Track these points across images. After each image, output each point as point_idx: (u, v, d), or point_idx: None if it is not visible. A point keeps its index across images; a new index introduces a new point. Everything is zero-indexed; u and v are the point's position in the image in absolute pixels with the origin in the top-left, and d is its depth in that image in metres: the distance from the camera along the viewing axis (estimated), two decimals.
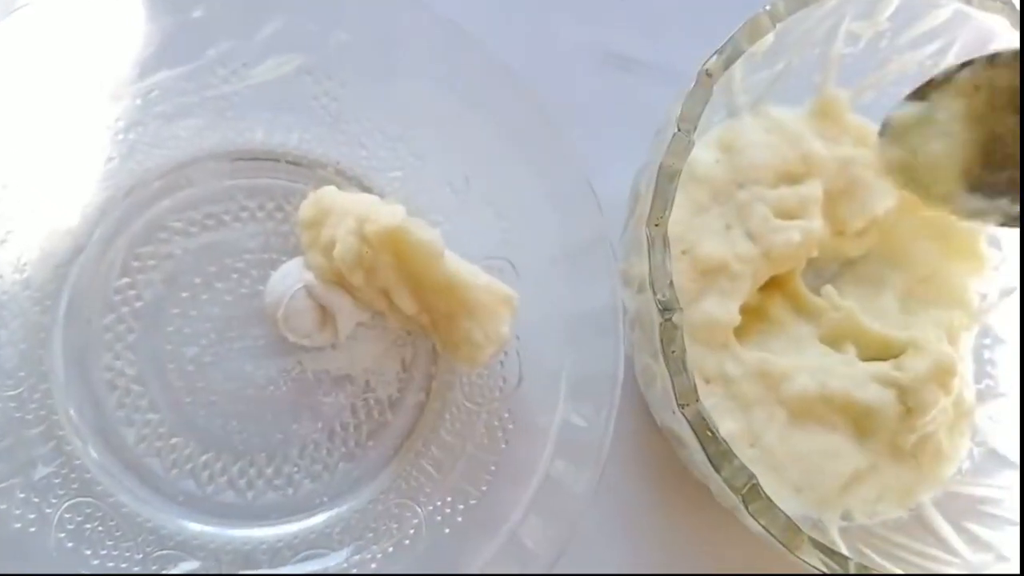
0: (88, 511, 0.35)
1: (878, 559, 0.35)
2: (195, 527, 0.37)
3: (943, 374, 0.36)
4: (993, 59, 0.33)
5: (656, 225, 0.32)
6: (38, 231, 0.37)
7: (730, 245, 0.36)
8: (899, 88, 0.39)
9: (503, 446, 0.37)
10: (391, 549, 0.36)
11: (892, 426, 0.36)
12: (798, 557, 0.32)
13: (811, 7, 0.34)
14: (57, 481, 0.35)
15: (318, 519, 0.37)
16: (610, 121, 0.42)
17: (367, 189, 0.38)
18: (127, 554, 0.35)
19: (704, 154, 0.38)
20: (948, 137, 0.34)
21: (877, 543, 0.36)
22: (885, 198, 0.38)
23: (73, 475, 0.36)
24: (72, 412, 0.37)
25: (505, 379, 0.37)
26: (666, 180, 0.32)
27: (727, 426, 0.36)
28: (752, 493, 0.31)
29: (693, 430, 0.31)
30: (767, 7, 0.34)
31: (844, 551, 0.33)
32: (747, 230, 0.37)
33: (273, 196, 0.39)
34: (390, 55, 0.37)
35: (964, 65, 0.34)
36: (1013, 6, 0.35)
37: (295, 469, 0.38)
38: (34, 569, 0.34)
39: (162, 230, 0.38)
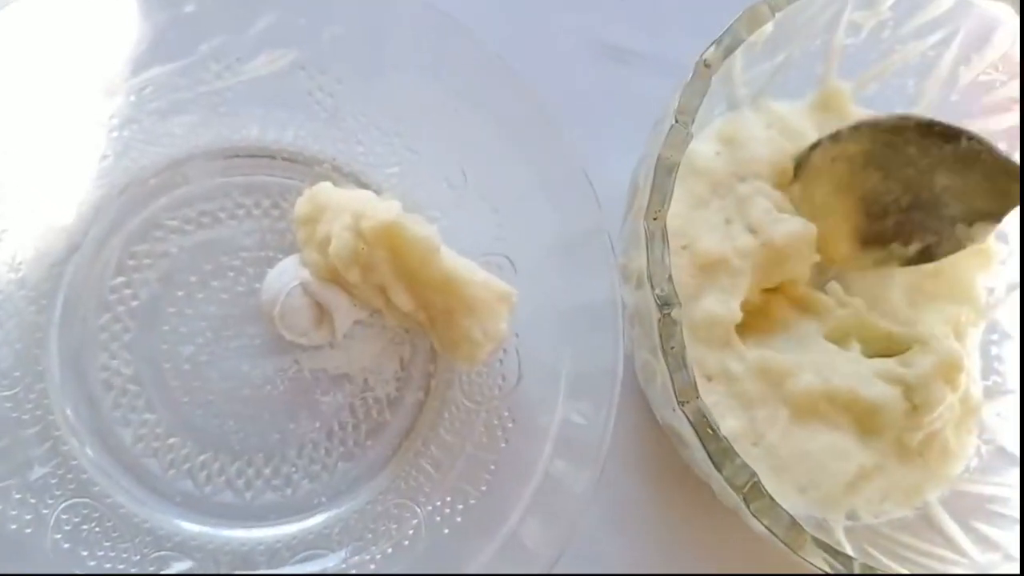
0: (85, 512, 0.35)
1: (884, 559, 0.34)
2: (193, 528, 0.36)
3: (950, 370, 0.36)
4: (836, 136, 0.37)
5: (654, 219, 0.32)
6: (33, 230, 0.36)
7: (730, 239, 0.36)
8: (902, 79, 0.39)
9: (502, 445, 0.36)
10: (390, 550, 0.36)
11: (898, 424, 0.36)
12: (801, 557, 0.31)
13: None
14: (54, 482, 0.35)
15: (317, 519, 0.37)
16: (608, 114, 0.41)
17: (364, 185, 0.38)
18: (124, 555, 0.35)
19: (704, 147, 0.38)
20: (828, 211, 0.37)
21: (883, 543, 0.35)
22: None
23: (70, 476, 0.36)
24: (68, 412, 0.36)
25: (504, 377, 0.37)
26: (664, 173, 0.32)
27: (729, 424, 0.35)
28: (754, 492, 0.31)
29: (693, 428, 0.31)
30: None
31: (849, 551, 0.32)
32: (747, 224, 0.36)
33: (269, 193, 0.39)
34: (385, 49, 0.36)
35: (813, 147, 0.37)
36: None
37: (293, 469, 0.37)
38: (31, 570, 0.34)
39: (157, 228, 0.38)
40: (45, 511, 0.35)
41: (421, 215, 0.36)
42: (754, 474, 0.31)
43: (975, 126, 0.38)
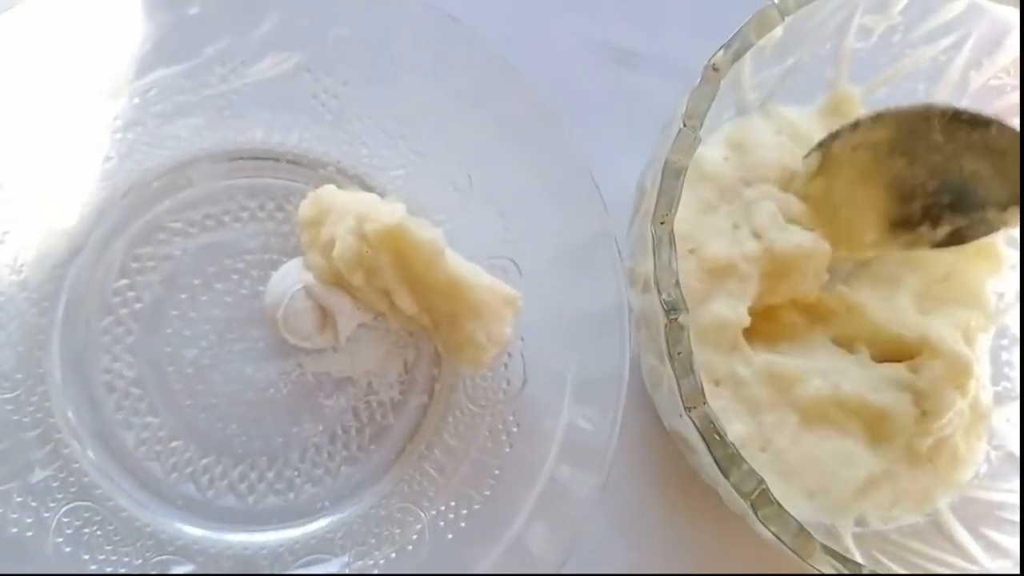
0: (86, 515, 0.35)
1: (893, 566, 0.34)
2: (195, 532, 0.36)
3: (959, 376, 0.35)
4: (856, 125, 0.36)
5: (661, 223, 0.31)
6: (35, 231, 0.36)
7: (738, 244, 0.36)
8: (912, 84, 0.38)
9: (507, 449, 0.36)
10: (394, 555, 0.36)
11: (907, 429, 0.35)
12: (810, 565, 0.31)
13: (821, 0, 0.33)
14: (55, 485, 0.35)
15: (320, 524, 0.37)
16: (615, 118, 0.41)
17: (369, 188, 0.38)
18: (126, 559, 0.35)
19: (712, 152, 0.37)
20: (853, 199, 0.36)
21: (892, 550, 0.35)
22: None
23: (71, 479, 0.35)
24: (70, 415, 0.36)
25: (509, 381, 0.37)
26: (672, 177, 0.31)
27: (736, 429, 0.35)
28: (762, 499, 0.30)
29: (700, 433, 0.31)
30: (776, 0, 0.33)
31: (858, 558, 0.32)
32: (754, 229, 0.36)
33: (273, 196, 0.38)
34: (390, 51, 0.36)
35: (834, 136, 0.36)
36: None
37: (296, 473, 0.37)
38: (32, 573, 0.33)
39: (161, 231, 0.38)
40: (46, 514, 0.34)
41: (426, 218, 0.36)
42: (762, 480, 0.30)
43: None
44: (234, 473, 0.37)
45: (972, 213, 0.35)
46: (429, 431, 0.38)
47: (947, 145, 0.35)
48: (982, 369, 0.38)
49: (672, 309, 0.31)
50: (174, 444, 0.37)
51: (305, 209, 0.35)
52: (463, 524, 0.36)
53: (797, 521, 0.30)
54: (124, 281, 0.37)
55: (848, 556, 0.31)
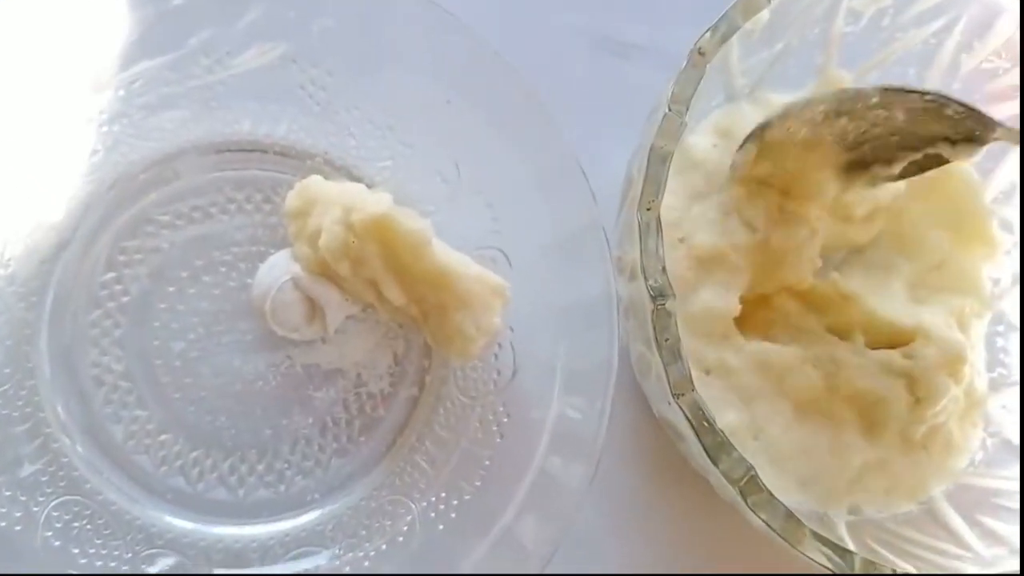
0: (76, 509, 0.35)
1: (887, 554, 0.33)
2: (185, 525, 0.36)
3: (953, 362, 0.35)
4: (785, 114, 0.34)
5: (648, 209, 0.31)
6: (22, 226, 0.36)
7: (728, 234, 0.35)
8: (903, 68, 0.38)
9: (497, 440, 0.36)
10: (384, 546, 0.36)
11: (901, 417, 0.35)
12: (801, 552, 0.30)
13: None
14: (44, 479, 0.35)
15: (310, 516, 0.37)
16: (604, 107, 0.41)
17: (356, 179, 0.38)
18: (116, 553, 0.35)
19: (701, 140, 0.37)
20: (803, 166, 0.35)
21: (886, 537, 0.35)
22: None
23: (60, 473, 0.35)
24: (59, 409, 0.36)
25: (499, 372, 0.37)
26: (657, 162, 0.31)
27: (728, 418, 0.35)
28: (751, 485, 0.30)
29: (689, 420, 0.30)
30: None
31: (851, 546, 0.32)
32: (745, 219, 0.35)
33: (261, 188, 0.38)
34: (377, 42, 0.36)
35: (764, 127, 0.34)
36: None
37: (286, 465, 0.37)
38: (21, 569, 0.34)
39: (148, 223, 0.38)
40: (35, 508, 0.34)
41: (415, 209, 0.36)
42: (751, 467, 0.30)
43: None
44: (224, 466, 0.37)
45: (923, 147, 0.34)
46: (419, 423, 0.38)
47: (884, 105, 0.33)
48: (977, 356, 0.37)
49: (659, 295, 0.31)
50: (163, 437, 0.37)
51: (292, 200, 0.35)
52: (454, 515, 0.36)
53: (786, 507, 0.30)
54: (111, 274, 0.37)
55: (839, 543, 0.31)
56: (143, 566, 0.35)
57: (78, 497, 0.35)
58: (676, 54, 0.33)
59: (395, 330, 0.38)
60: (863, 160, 0.35)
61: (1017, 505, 0.35)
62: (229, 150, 0.38)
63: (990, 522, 0.35)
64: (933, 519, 0.35)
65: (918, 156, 0.34)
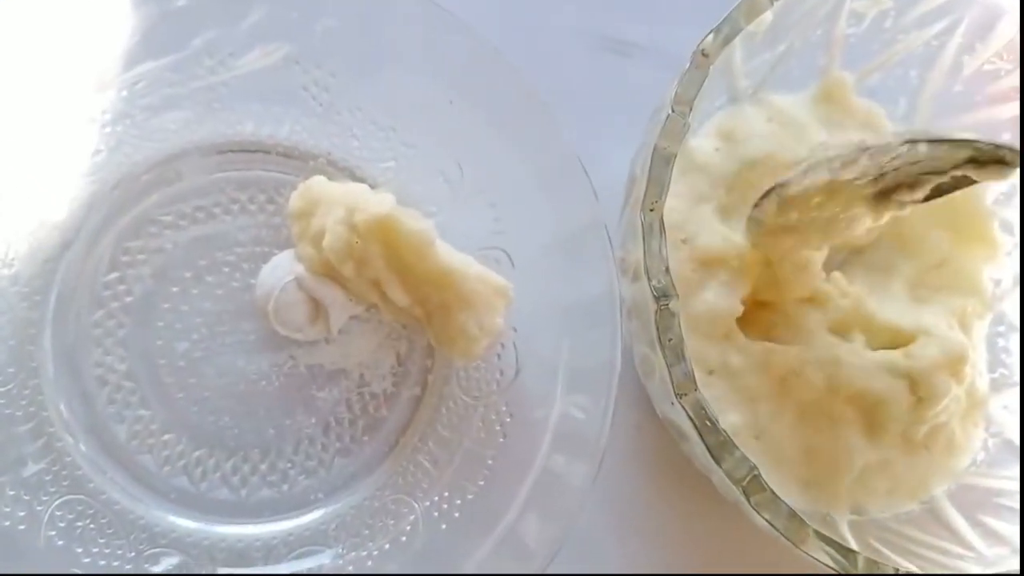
0: (79, 508, 0.35)
1: (889, 553, 0.33)
2: (188, 524, 0.36)
3: (954, 362, 0.35)
4: (802, 174, 0.33)
5: (651, 210, 0.31)
6: (26, 225, 0.36)
7: (730, 238, 0.35)
8: (905, 69, 0.38)
9: (500, 440, 0.36)
10: (387, 546, 0.36)
11: (903, 417, 0.35)
12: (805, 552, 0.30)
13: None
14: (48, 478, 0.35)
15: (313, 516, 0.37)
16: (607, 107, 0.41)
17: (360, 180, 0.38)
18: (119, 552, 0.35)
19: (704, 143, 0.37)
20: (828, 203, 0.33)
21: (889, 537, 0.35)
22: None
23: (64, 472, 0.35)
24: (62, 408, 0.36)
25: (502, 372, 0.37)
26: (661, 163, 0.31)
27: (731, 418, 0.35)
28: (754, 485, 0.30)
29: (692, 420, 0.30)
30: None
31: (853, 545, 0.32)
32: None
33: (264, 188, 0.38)
34: (379, 42, 0.36)
35: (782, 185, 0.33)
36: None
37: (289, 465, 0.37)
38: (24, 568, 0.34)
39: (151, 224, 0.38)
40: (39, 508, 0.34)
41: (417, 210, 0.36)
42: (754, 467, 0.30)
43: (980, 116, 0.38)
44: (227, 466, 0.37)
45: (948, 171, 0.31)
46: (422, 422, 0.38)
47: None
48: (978, 356, 0.37)
49: (662, 296, 0.31)
50: (166, 437, 0.37)
51: (295, 200, 0.35)
52: (457, 515, 0.36)
53: (789, 507, 0.30)
54: (115, 274, 0.37)
55: (842, 543, 0.31)
56: (146, 565, 0.35)
57: (81, 496, 0.35)
58: (677, 54, 0.33)
59: (398, 330, 0.38)
60: (887, 189, 0.33)
61: (1019, 505, 0.35)
62: (232, 151, 0.38)
63: (992, 522, 0.35)
64: (935, 519, 0.35)
65: (944, 179, 0.32)
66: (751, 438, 0.35)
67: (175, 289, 0.37)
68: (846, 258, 0.39)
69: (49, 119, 0.36)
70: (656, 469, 0.39)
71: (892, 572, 0.30)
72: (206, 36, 0.36)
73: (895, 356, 0.35)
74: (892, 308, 0.37)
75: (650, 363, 0.33)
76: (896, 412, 0.35)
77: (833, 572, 0.31)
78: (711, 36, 0.32)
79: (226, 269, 0.38)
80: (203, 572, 0.35)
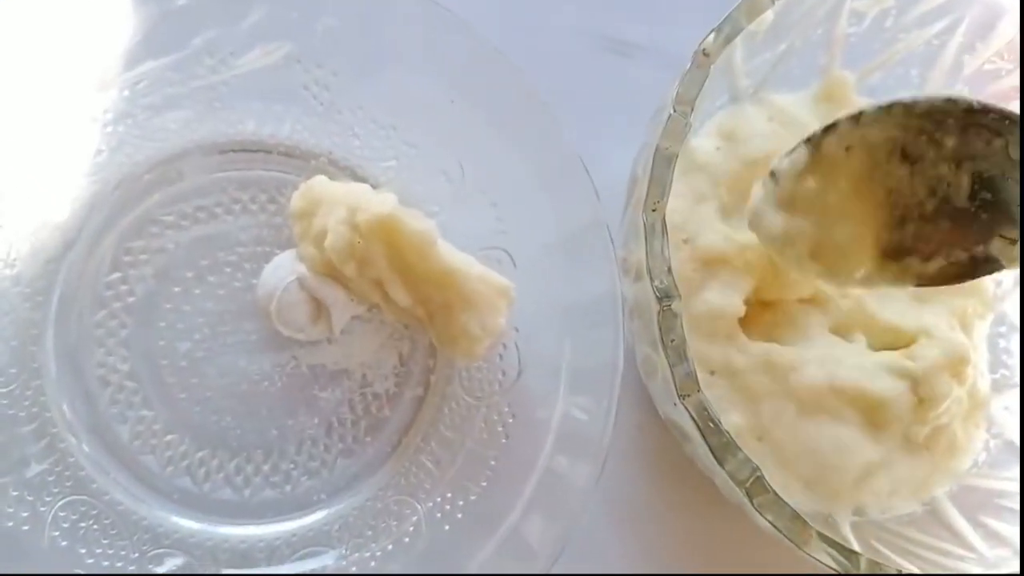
0: (83, 509, 0.35)
1: (891, 555, 0.33)
2: (191, 525, 0.36)
3: (956, 363, 0.35)
4: (856, 118, 0.30)
5: (653, 210, 0.31)
6: (28, 225, 0.36)
7: (732, 237, 0.35)
8: (905, 68, 0.38)
9: (503, 440, 0.36)
10: (390, 547, 0.36)
11: (905, 418, 0.35)
12: (807, 553, 0.30)
13: None
14: (51, 479, 0.35)
15: (316, 516, 0.37)
16: (608, 107, 0.41)
17: (361, 179, 0.38)
18: (122, 552, 0.35)
19: (704, 142, 0.37)
20: (844, 214, 0.31)
21: (890, 538, 0.35)
22: None
23: (67, 473, 0.35)
24: (65, 409, 0.36)
25: (504, 372, 0.37)
26: (663, 163, 0.31)
27: (733, 419, 0.35)
28: (757, 486, 0.30)
29: (695, 422, 0.30)
30: None
31: (855, 547, 0.32)
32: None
33: (265, 188, 0.38)
34: (380, 42, 0.36)
35: (828, 129, 0.31)
36: None
37: (292, 466, 0.37)
38: (28, 569, 0.34)
39: (153, 224, 0.38)
40: (42, 508, 0.34)
41: (419, 209, 0.36)
42: (757, 468, 0.30)
43: None
44: (230, 466, 0.37)
45: (973, 245, 0.30)
46: (425, 423, 0.38)
47: (960, 152, 0.30)
48: (980, 357, 0.37)
49: (665, 296, 0.31)
50: (169, 438, 0.37)
51: (296, 200, 0.35)
52: (460, 515, 0.36)
53: (792, 508, 0.30)
54: (117, 275, 0.37)
55: (845, 545, 0.31)
56: (150, 566, 0.35)
57: (85, 497, 0.35)
58: (677, 53, 0.33)
59: (400, 330, 0.38)
60: (902, 246, 0.30)
61: (1019, 506, 0.35)
62: (233, 150, 0.38)
63: (993, 523, 0.35)
64: (937, 520, 0.35)
65: (963, 256, 0.30)
66: (753, 439, 0.35)
67: (177, 289, 0.37)
68: None
69: (50, 119, 0.36)
70: (658, 469, 0.39)
71: (894, 573, 0.30)
72: (207, 35, 0.36)
73: (897, 357, 0.35)
74: (893, 309, 0.37)
75: (652, 363, 0.33)
76: (898, 413, 0.35)
77: (835, 573, 0.31)
78: (712, 36, 0.32)
79: (228, 269, 0.38)
80: (206, 573, 0.35)
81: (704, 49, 0.32)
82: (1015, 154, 0.29)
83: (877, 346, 0.36)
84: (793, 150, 0.31)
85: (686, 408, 0.30)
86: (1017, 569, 0.33)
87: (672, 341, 0.30)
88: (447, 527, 0.36)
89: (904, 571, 0.31)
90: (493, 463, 0.36)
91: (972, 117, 0.29)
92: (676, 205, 0.35)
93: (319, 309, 0.36)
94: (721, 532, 0.38)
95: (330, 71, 0.37)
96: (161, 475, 0.36)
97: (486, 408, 0.37)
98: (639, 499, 0.39)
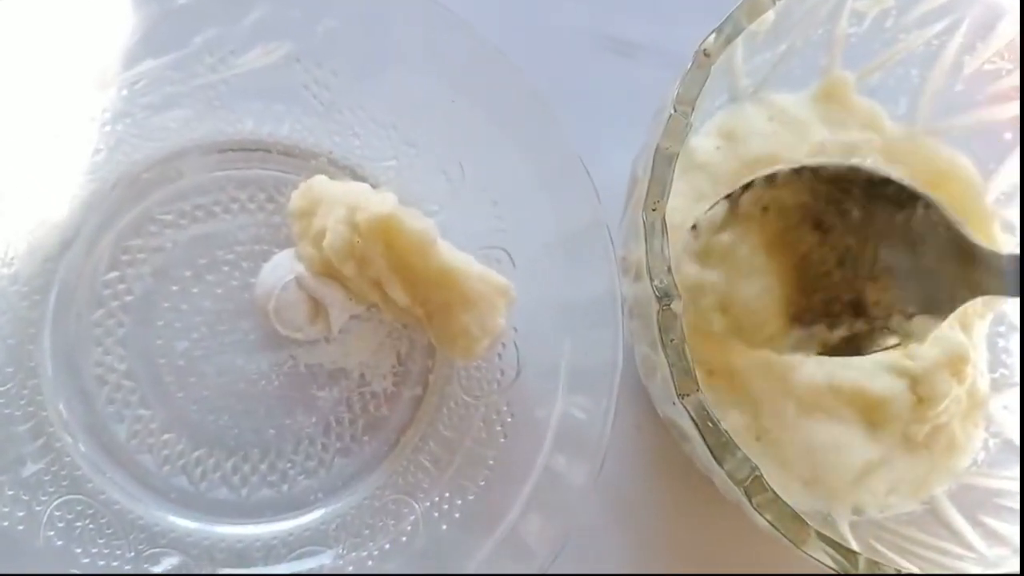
0: (79, 509, 0.35)
1: (890, 554, 0.33)
2: (188, 524, 0.36)
3: (955, 362, 0.35)
4: (771, 179, 0.32)
5: (653, 210, 0.31)
6: (25, 224, 0.36)
7: None
8: (906, 68, 0.38)
9: (501, 440, 0.36)
10: (388, 546, 0.36)
11: (904, 417, 0.35)
12: (805, 553, 0.30)
13: None
14: (47, 478, 0.35)
15: (313, 516, 0.37)
16: (608, 106, 0.41)
17: (360, 179, 0.38)
18: (118, 552, 0.35)
19: (704, 142, 0.37)
20: (754, 271, 0.32)
21: (889, 538, 0.35)
22: None
23: (63, 472, 0.35)
24: (62, 408, 0.36)
25: (503, 371, 0.37)
26: (663, 163, 0.31)
27: (732, 418, 0.35)
28: (755, 486, 0.30)
29: (694, 421, 0.30)
30: None
31: (854, 546, 0.32)
32: None
33: (264, 187, 0.38)
34: (381, 41, 0.36)
35: (745, 188, 0.32)
36: None
37: (289, 465, 0.37)
38: (23, 568, 0.33)
39: (151, 223, 0.38)
40: (38, 508, 0.34)
41: (419, 209, 0.36)
42: (755, 467, 0.30)
43: (980, 115, 0.38)
44: (227, 465, 0.37)
45: (876, 318, 0.31)
46: (423, 422, 0.38)
47: (865, 227, 0.31)
48: (979, 356, 0.37)
49: (664, 296, 0.31)
50: (166, 437, 0.36)
51: (296, 199, 0.35)
52: (458, 515, 0.36)
53: (791, 508, 0.30)
54: (115, 273, 0.37)
55: (844, 544, 0.31)
56: (146, 565, 0.35)
57: (81, 496, 0.35)
58: (677, 53, 0.33)
59: (399, 330, 0.38)
60: (808, 313, 0.31)
61: (1019, 505, 0.35)
62: (232, 149, 0.38)
63: (992, 522, 0.35)
64: (936, 519, 0.35)
65: (865, 327, 0.31)
66: (751, 439, 0.35)
67: (175, 288, 0.37)
68: None
69: (49, 118, 0.36)
70: (657, 469, 0.39)
71: (893, 573, 0.30)
72: (207, 34, 0.35)
73: (896, 356, 0.35)
74: None
75: (651, 363, 0.33)
76: (897, 412, 0.35)
77: (833, 572, 0.31)
78: (713, 36, 0.32)
79: (226, 268, 0.37)
80: (203, 573, 0.35)
81: (705, 49, 0.32)
82: (916, 227, 0.30)
83: None
84: (713, 206, 0.33)
85: (685, 407, 0.30)
86: (1017, 568, 0.33)
87: (672, 340, 0.30)
88: (445, 526, 0.35)
89: (903, 570, 0.31)
90: (491, 462, 0.36)
91: (874, 188, 0.31)
92: (676, 204, 0.35)
93: (317, 308, 0.36)
94: (719, 531, 0.38)
95: (330, 71, 0.37)
96: (158, 474, 0.36)
97: (485, 407, 0.37)
98: (637, 498, 0.39)
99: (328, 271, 0.35)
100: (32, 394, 0.36)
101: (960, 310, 0.37)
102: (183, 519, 0.36)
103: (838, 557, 0.30)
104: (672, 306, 0.31)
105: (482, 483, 0.36)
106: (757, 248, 0.32)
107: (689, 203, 0.36)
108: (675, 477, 0.38)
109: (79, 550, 0.34)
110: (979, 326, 0.38)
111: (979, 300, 0.38)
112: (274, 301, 0.35)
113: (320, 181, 0.35)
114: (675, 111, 0.32)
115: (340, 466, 0.37)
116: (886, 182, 0.31)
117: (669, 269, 0.31)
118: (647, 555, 0.38)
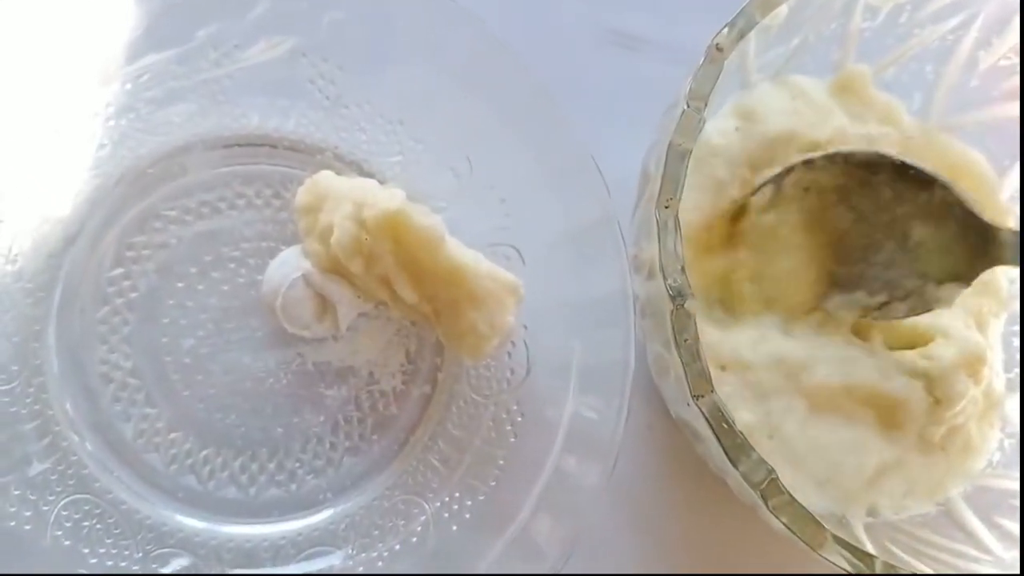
0: (86, 508, 0.35)
1: (905, 556, 0.33)
2: (196, 524, 0.36)
3: (972, 363, 0.35)
4: (810, 163, 0.34)
5: (666, 207, 0.31)
6: (29, 220, 0.36)
7: None
8: (920, 64, 0.38)
9: (512, 440, 0.36)
10: (398, 547, 0.35)
11: (920, 418, 0.35)
12: (821, 556, 0.30)
13: None
14: (53, 478, 0.35)
15: (322, 516, 0.36)
16: (618, 101, 0.40)
17: (367, 174, 0.37)
18: (126, 552, 0.34)
19: (722, 123, 0.36)
20: (794, 247, 0.35)
21: (904, 540, 0.34)
22: None
23: (70, 471, 0.35)
24: (68, 406, 0.36)
25: (513, 370, 0.36)
26: (676, 160, 0.31)
27: (744, 417, 0.34)
28: (771, 488, 0.30)
29: (708, 422, 0.30)
30: None
31: (869, 549, 0.31)
32: None
33: (270, 183, 0.38)
34: (387, 36, 0.36)
35: (787, 171, 0.35)
36: None
37: (298, 464, 0.37)
38: (31, 568, 0.33)
39: (156, 219, 0.37)
40: (45, 508, 0.34)
41: (426, 205, 0.35)
42: (771, 470, 0.30)
43: (995, 111, 0.37)
44: (235, 464, 0.36)
45: (912, 286, 0.34)
46: (432, 421, 0.37)
47: (896, 206, 0.34)
48: (995, 356, 0.37)
49: (678, 295, 0.30)
50: (173, 435, 0.36)
51: (302, 195, 0.35)
52: (468, 515, 0.35)
53: (808, 511, 0.30)
54: (119, 270, 0.37)
55: (860, 547, 0.30)
56: (154, 566, 0.34)
57: (88, 496, 0.35)
58: (686, 47, 0.33)
59: (407, 327, 0.38)
60: (849, 281, 0.35)
61: None
62: (237, 145, 0.37)
63: (1008, 524, 0.34)
64: (951, 521, 0.35)
65: (901, 293, 0.34)
66: (764, 437, 0.35)
67: (180, 285, 0.37)
68: None
69: (52, 113, 0.35)
70: (669, 469, 0.39)
71: (908, 575, 0.30)
72: (211, 28, 0.35)
73: (912, 357, 0.35)
74: None
75: (664, 362, 0.33)
76: (913, 413, 0.34)
77: (847, 574, 0.30)
78: (726, 30, 0.32)
79: (232, 265, 0.37)
80: (211, 573, 0.35)
81: (717, 44, 0.32)
82: (936, 207, 0.33)
83: (893, 345, 0.36)
84: (760, 187, 0.35)
85: (699, 408, 0.30)
86: None
87: (685, 340, 0.30)
88: (455, 527, 0.35)
89: (918, 573, 0.30)
90: (502, 462, 0.35)
91: (899, 172, 0.34)
92: (693, 202, 0.35)
93: (325, 306, 0.35)
94: (733, 532, 0.38)
95: (336, 65, 0.36)
96: (165, 473, 0.36)
97: (494, 406, 0.36)
98: (649, 499, 0.38)
99: (335, 268, 0.34)
100: (38, 392, 0.35)
101: (975, 310, 0.37)
102: (191, 519, 0.36)
103: (854, 560, 0.30)
104: (686, 305, 0.30)
105: (492, 483, 0.35)
106: (796, 227, 0.35)
107: (707, 197, 0.36)
108: (688, 478, 0.38)
109: (87, 550, 0.34)
110: (994, 325, 0.37)
111: (993, 299, 0.38)
112: (281, 298, 0.35)
113: (326, 176, 0.35)
114: (688, 106, 0.31)
115: (349, 465, 0.37)
116: (907, 166, 0.34)
117: (683, 268, 0.30)
118: (659, 556, 0.38)
